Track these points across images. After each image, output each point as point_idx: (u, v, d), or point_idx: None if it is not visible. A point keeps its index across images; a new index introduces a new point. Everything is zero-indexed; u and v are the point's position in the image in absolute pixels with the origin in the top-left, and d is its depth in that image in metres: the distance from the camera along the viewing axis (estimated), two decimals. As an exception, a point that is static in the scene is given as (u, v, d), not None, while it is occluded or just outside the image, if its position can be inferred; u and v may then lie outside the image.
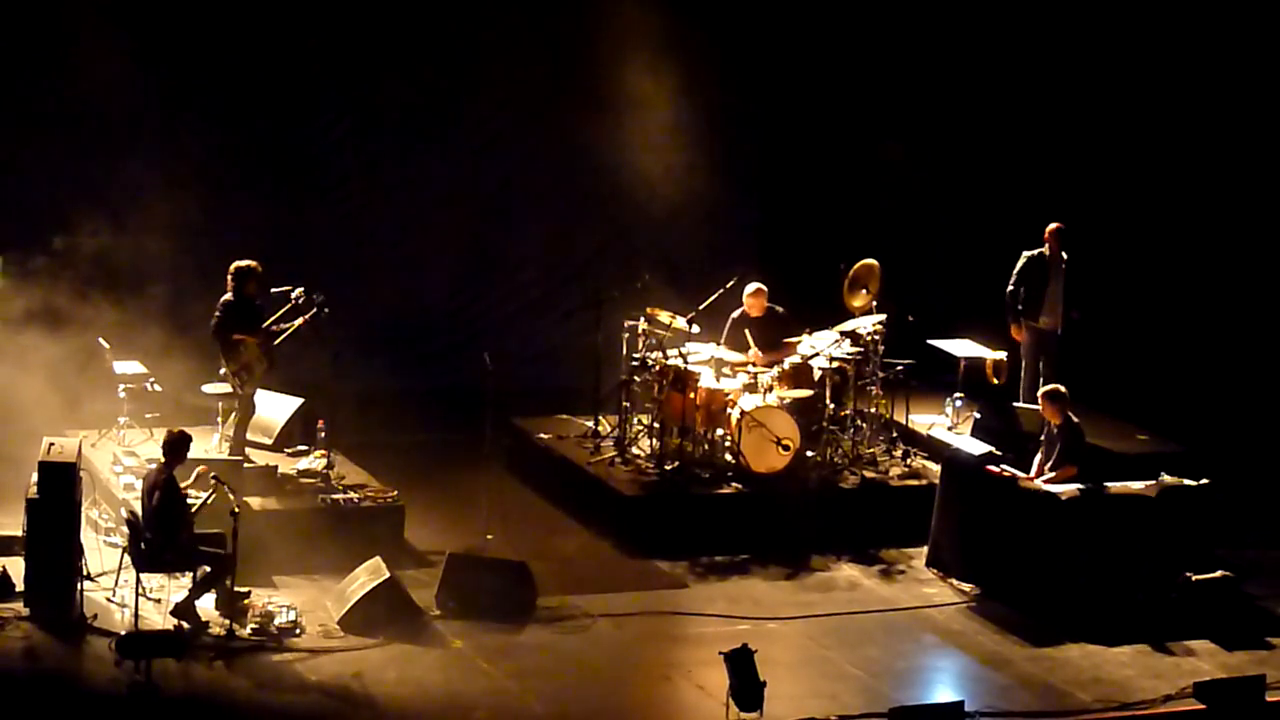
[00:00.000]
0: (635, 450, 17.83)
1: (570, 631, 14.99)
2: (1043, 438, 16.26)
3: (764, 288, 18.33)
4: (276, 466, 16.54)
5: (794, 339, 17.94)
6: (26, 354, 17.01)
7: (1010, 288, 18.65)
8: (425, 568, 15.83)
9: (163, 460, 14.65)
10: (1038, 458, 16.22)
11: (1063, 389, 16.21)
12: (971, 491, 16.24)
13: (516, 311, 21.05)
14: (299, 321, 16.50)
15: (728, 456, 17.48)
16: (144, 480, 14.77)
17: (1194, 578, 15.63)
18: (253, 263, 16.41)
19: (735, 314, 18.27)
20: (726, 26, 21.17)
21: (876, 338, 18.08)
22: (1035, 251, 18.60)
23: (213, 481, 14.81)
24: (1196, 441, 18.22)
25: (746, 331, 17.95)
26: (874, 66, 21.53)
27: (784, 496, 17.13)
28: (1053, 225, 18.55)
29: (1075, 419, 16.15)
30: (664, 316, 17.77)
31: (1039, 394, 16.53)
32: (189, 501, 14.72)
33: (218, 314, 16.33)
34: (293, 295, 16.56)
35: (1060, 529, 15.63)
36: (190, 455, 14.86)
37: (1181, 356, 20.59)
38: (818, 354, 17.75)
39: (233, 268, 16.40)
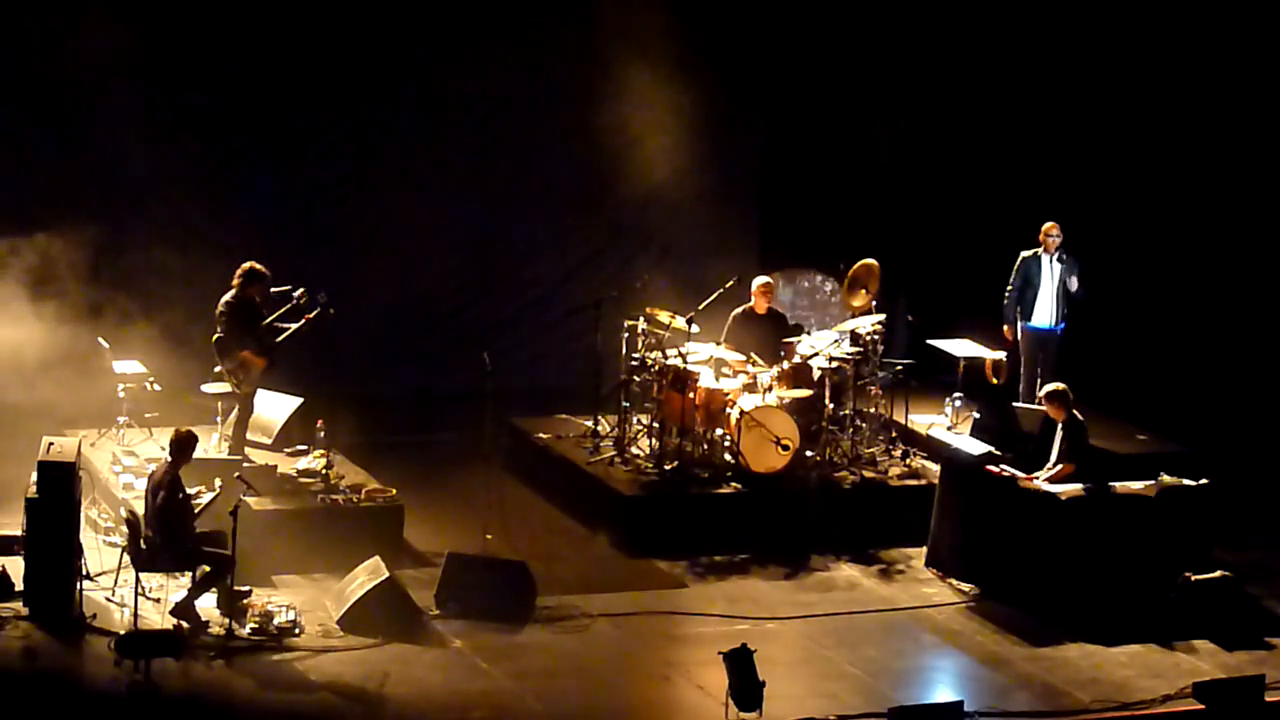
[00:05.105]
0: (634, 450, 17.82)
1: (569, 631, 14.99)
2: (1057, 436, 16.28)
3: (772, 283, 18.36)
4: (276, 466, 16.53)
5: (792, 339, 17.94)
6: (26, 353, 17.02)
7: (1009, 288, 18.67)
8: (425, 568, 15.83)
9: (169, 459, 14.66)
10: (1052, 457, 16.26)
11: (1063, 387, 16.22)
12: (971, 491, 16.24)
13: (516, 311, 21.04)
14: (301, 322, 16.49)
15: (727, 456, 17.47)
16: (149, 479, 14.76)
17: (1194, 578, 15.63)
18: (262, 267, 16.36)
19: (738, 311, 18.28)
20: (727, 24, 21.15)
21: (876, 337, 18.09)
22: (1031, 252, 18.62)
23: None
24: (1196, 441, 18.22)
25: (754, 356, 17.89)
26: (875, 65, 21.52)
27: (783, 496, 17.14)
28: (1047, 225, 18.56)
29: (1079, 417, 16.16)
30: (663, 316, 17.77)
31: (1042, 394, 16.54)
32: (193, 502, 14.73)
33: (223, 315, 16.28)
34: (294, 295, 16.55)
35: (1060, 529, 15.64)
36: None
37: (1181, 356, 20.58)
38: (817, 354, 17.75)
39: (245, 267, 16.34)
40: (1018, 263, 18.64)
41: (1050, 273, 18.51)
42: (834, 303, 20.94)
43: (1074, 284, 18.44)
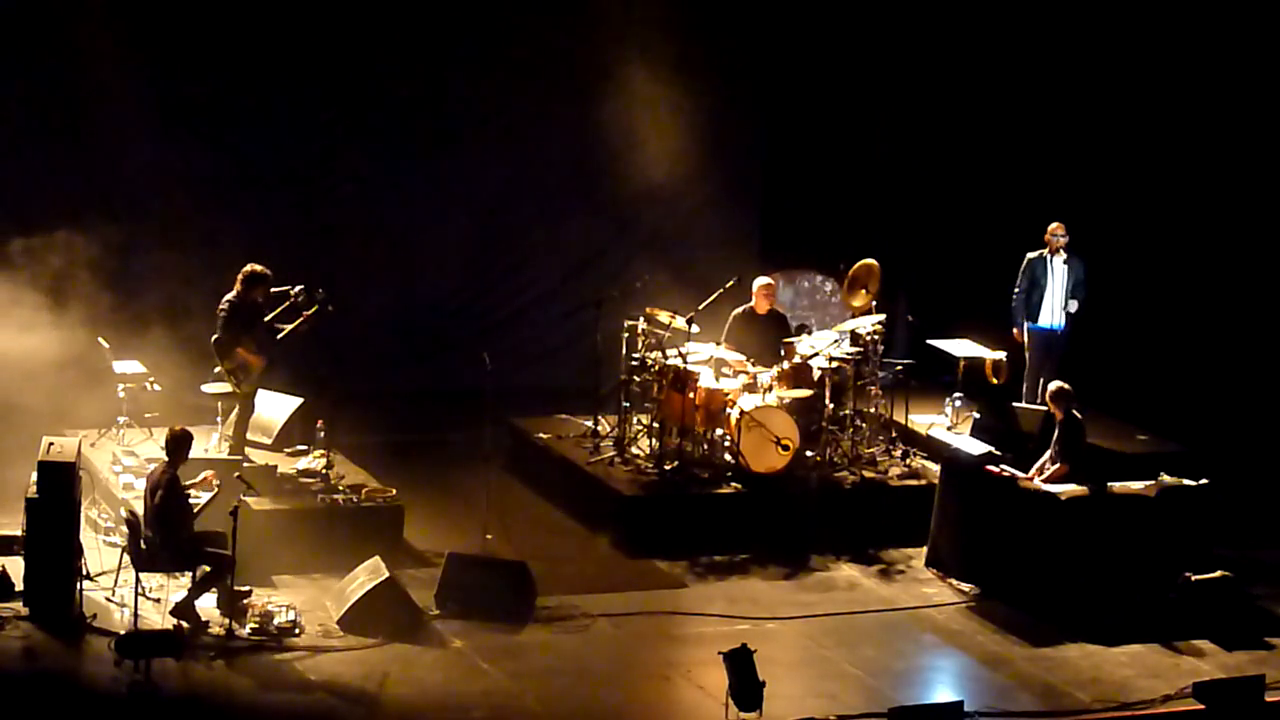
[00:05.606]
0: (634, 450, 17.82)
1: (569, 631, 15.00)
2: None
3: (774, 283, 18.36)
4: (276, 466, 16.53)
5: (792, 340, 17.93)
6: (26, 353, 17.01)
7: (1016, 290, 18.66)
8: (425, 568, 15.82)
9: (165, 459, 14.66)
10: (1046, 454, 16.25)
11: (1066, 386, 16.23)
12: (971, 491, 16.24)
13: (516, 311, 21.04)
14: (299, 320, 16.49)
15: (727, 456, 17.47)
16: (147, 479, 14.76)
17: (1194, 578, 15.62)
18: (263, 269, 16.36)
19: (738, 311, 18.27)
20: (727, 24, 21.15)
21: (876, 337, 18.09)
22: (1037, 253, 18.62)
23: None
24: (1196, 441, 18.21)
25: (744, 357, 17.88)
26: (876, 65, 21.53)
27: (783, 496, 17.13)
28: (1053, 225, 18.57)
29: (1078, 416, 16.15)
30: (663, 316, 17.77)
31: (1047, 392, 16.55)
32: (191, 501, 14.73)
33: (223, 315, 16.28)
34: (291, 293, 16.56)
35: (1060, 529, 15.63)
36: (190, 455, 14.86)
37: (1181, 356, 20.58)
38: (817, 354, 17.75)
39: (246, 270, 16.33)
40: (1024, 264, 18.63)
41: (1056, 273, 18.50)
42: (834, 303, 20.95)
43: (1074, 306, 18.48)
